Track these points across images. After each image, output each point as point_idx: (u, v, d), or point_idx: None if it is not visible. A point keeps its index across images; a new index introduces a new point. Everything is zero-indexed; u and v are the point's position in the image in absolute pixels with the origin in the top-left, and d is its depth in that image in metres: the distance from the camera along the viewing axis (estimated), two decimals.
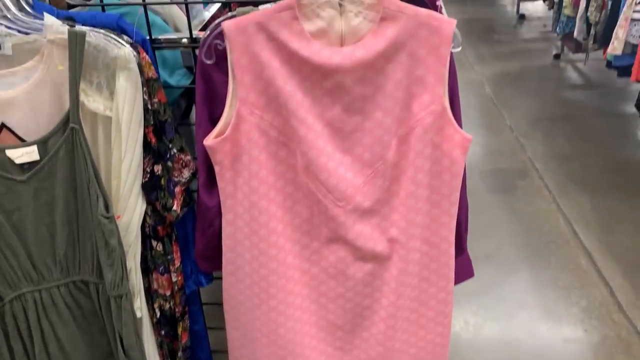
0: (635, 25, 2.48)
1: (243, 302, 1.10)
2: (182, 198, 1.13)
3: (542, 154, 3.03)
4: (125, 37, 1.01)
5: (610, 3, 2.83)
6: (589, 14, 3.01)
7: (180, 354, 1.29)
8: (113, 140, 1.02)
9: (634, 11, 2.47)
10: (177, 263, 1.20)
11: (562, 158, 2.99)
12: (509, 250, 2.32)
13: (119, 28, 1.01)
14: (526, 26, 5.41)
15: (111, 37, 0.98)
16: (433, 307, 1.12)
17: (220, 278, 1.14)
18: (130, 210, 1.07)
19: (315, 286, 1.09)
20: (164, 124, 1.08)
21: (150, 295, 1.21)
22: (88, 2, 1.13)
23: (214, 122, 1.03)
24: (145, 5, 1.09)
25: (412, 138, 1.00)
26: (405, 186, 1.03)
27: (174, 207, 1.12)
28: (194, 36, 1.10)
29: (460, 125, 1.02)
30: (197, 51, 1.06)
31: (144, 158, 1.06)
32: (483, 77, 4.14)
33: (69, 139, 0.99)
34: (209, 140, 1.00)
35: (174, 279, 1.20)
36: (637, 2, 2.45)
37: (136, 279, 1.11)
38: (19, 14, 0.99)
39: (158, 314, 1.22)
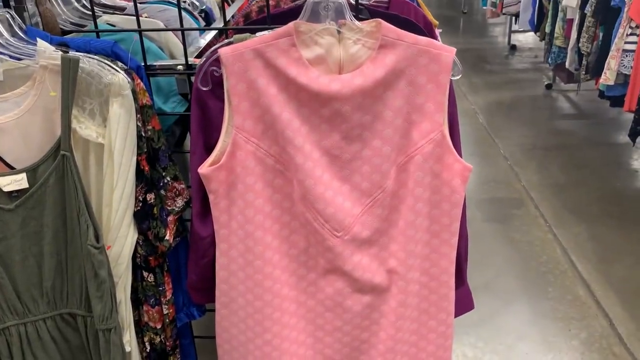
0: (626, 55, 2.51)
1: (236, 336, 1.07)
2: (174, 228, 1.11)
3: (537, 183, 3.04)
4: (120, 64, 1.00)
5: (601, 35, 2.87)
6: (580, 44, 3.03)
7: None
8: (105, 168, 1.00)
9: (626, 42, 2.50)
10: (169, 295, 1.17)
11: (556, 187, 2.99)
12: (506, 280, 2.29)
13: (113, 54, 1.00)
14: (517, 57, 5.48)
15: (105, 63, 0.97)
16: (433, 341, 1.10)
17: (213, 310, 1.11)
18: (121, 240, 1.04)
19: (311, 319, 1.06)
20: (158, 151, 1.06)
21: (140, 328, 1.17)
22: (82, 29, 1.12)
23: (209, 149, 1.01)
24: (140, 32, 1.08)
25: (411, 166, 0.98)
26: (405, 215, 1.01)
27: (167, 237, 1.09)
28: (189, 63, 1.09)
29: (459, 153, 1.02)
30: (192, 78, 1.04)
31: (137, 186, 1.04)
32: (476, 106, 4.17)
33: (60, 166, 0.97)
34: (203, 169, 0.98)
35: (165, 311, 1.17)
36: (629, 33, 2.49)
37: (126, 311, 1.08)
38: (11, 39, 0.98)
39: (148, 348, 1.18)
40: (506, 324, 2.06)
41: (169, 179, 1.07)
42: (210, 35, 1.40)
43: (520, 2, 4.47)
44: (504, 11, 4.92)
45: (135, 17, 1.12)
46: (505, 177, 3.13)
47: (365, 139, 0.97)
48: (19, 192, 0.97)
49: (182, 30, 1.11)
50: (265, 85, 0.93)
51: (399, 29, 0.93)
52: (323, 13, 0.94)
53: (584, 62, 3.05)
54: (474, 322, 2.02)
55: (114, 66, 0.97)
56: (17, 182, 0.96)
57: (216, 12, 1.74)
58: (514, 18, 5.19)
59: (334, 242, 0.99)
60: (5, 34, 0.97)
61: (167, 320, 1.18)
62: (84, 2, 1.36)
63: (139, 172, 1.03)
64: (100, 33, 1.10)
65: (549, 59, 3.68)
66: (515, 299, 2.19)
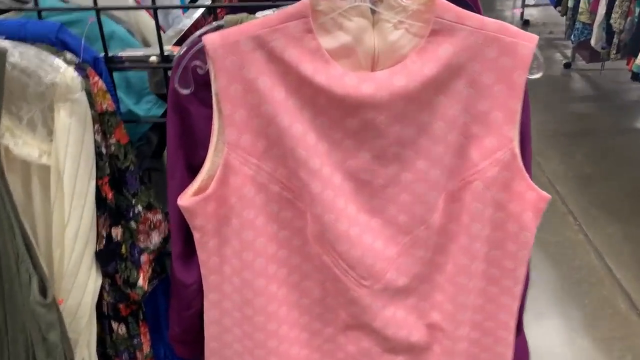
0: None
1: None
2: (150, 269, 0.90)
3: (562, 175, 2.84)
4: (69, 55, 0.78)
5: (637, 10, 2.65)
6: (612, 21, 2.85)
7: None
8: (53, 198, 0.79)
9: None
10: (146, 348, 0.98)
11: (583, 179, 2.81)
12: (536, 288, 2.09)
13: (59, 42, 0.77)
14: (531, 32, 5.23)
15: (47, 56, 0.74)
16: None
17: None
18: (79, 289, 0.85)
19: None
20: (125, 172, 0.85)
21: None
22: (25, 7, 0.85)
23: (193, 171, 0.80)
24: (98, 11, 0.81)
25: (466, 195, 0.79)
26: (456, 258, 0.83)
27: (140, 283, 0.88)
28: (165, 52, 0.84)
29: (530, 177, 0.80)
30: (170, 74, 0.80)
31: (98, 219, 0.84)
32: None
33: None
34: (184, 200, 0.77)
35: None
36: None
37: None
38: None
39: None
40: (538, 342, 1.85)
41: (140, 208, 0.85)
42: (197, 13, 1.14)
43: None
44: None
45: None
46: None
47: (406, 160, 0.78)
48: None
49: (155, 8, 0.84)
50: (268, 86, 0.73)
51: (459, 8, 0.70)
52: None
53: (615, 39, 2.87)
54: None
55: (59, 59, 0.75)
56: None
57: None
58: None
59: (360, 293, 0.82)
60: None
61: None
62: None
63: (99, 200, 0.83)
64: (43, 12, 0.83)
65: (572, 36, 3.49)
66: (548, 313, 2.00)
